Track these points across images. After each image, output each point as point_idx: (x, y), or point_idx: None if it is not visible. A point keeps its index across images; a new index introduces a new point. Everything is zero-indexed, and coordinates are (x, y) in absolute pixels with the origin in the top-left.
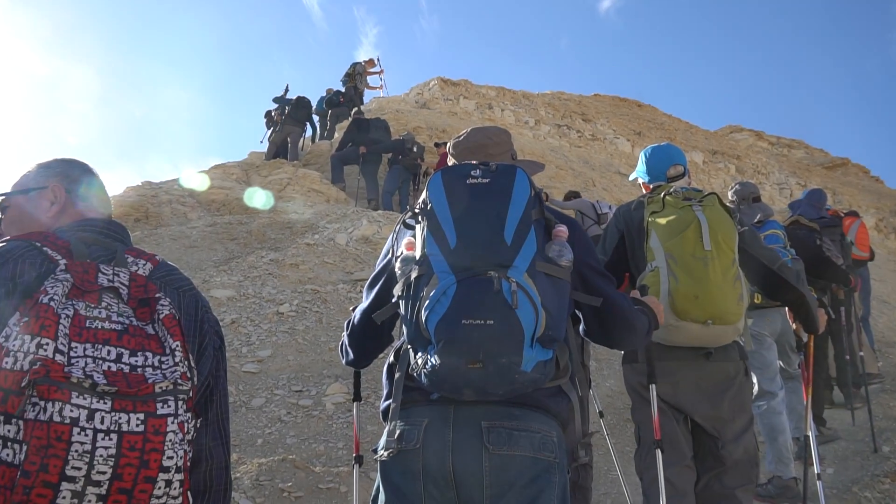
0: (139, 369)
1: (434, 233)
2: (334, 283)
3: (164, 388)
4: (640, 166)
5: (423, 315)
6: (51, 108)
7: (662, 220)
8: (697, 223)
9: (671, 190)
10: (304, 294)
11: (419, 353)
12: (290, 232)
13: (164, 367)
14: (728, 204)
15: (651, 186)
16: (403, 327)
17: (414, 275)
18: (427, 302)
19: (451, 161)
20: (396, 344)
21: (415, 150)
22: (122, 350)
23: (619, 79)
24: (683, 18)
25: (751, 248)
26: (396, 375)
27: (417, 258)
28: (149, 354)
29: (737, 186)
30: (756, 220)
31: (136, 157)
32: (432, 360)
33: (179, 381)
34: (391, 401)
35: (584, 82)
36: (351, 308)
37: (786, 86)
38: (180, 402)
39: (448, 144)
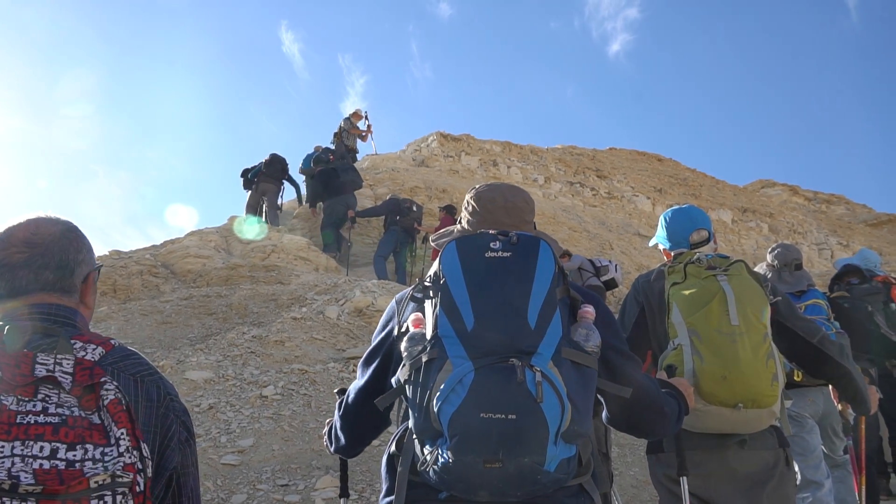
0: (77, 464)
1: (448, 312)
2: (324, 361)
3: (100, 482)
4: (660, 231)
5: (436, 405)
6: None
7: (684, 293)
8: (722, 295)
9: (694, 258)
10: (291, 375)
11: (427, 447)
12: (274, 305)
13: (106, 459)
14: (766, 268)
15: (672, 254)
16: (410, 416)
17: (425, 358)
18: (440, 391)
19: (476, 218)
20: (398, 432)
21: (414, 209)
22: (59, 445)
23: (636, 130)
24: (703, 62)
25: (786, 321)
26: (399, 469)
27: (429, 338)
28: (89, 447)
29: (778, 249)
30: (800, 290)
31: (98, 222)
32: (444, 456)
33: (119, 472)
34: (392, 497)
35: (597, 135)
36: (336, 391)
37: (822, 135)
38: (119, 497)
39: (473, 199)
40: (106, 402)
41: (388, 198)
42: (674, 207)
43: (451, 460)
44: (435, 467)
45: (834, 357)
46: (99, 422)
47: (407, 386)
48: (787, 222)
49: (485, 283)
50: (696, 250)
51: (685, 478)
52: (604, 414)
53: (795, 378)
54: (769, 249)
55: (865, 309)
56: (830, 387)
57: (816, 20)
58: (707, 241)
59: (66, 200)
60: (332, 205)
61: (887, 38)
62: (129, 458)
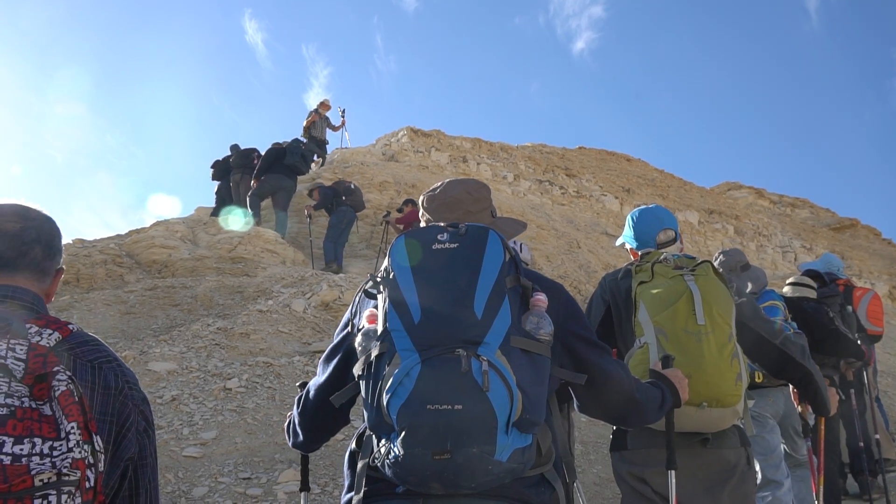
0: (24, 459)
1: (396, 305)
2: (289, 354)
3: (45, 481)
4: (627, 231)
5: (385, 399)
6: None
7: (651, 292)
8: (689, 294)
9: (661, 257)
10: (255, 367)
11: (382, 441)
12: (240, 297)
13: (54, 454)
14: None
15: (639, 253)
16: (364, 411)
17: (375, 353)
18: (389, 384)
19: (424, 218)
20: (359, 429)
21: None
22: (5, 438)
23: (603, 130)
24: (667, 63)
25: (750, 322)
26: (359, 465)
27: (379, 333)
28: (37, 441)
29: (721, 257)
30: (748, 291)
31: (56, 209)
32: (395, 449)
33: (66, 469)
34: (353, 493)
35: (561, 131)
36: (298, 384)
37: (786, 139)
38: (65, 496)
39: (421, 198)
40: (57, 394)
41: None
42: (641, 207)
43: (401, 454)
44: (388, 461)
45: (795, 358)
46: (50, 413)
47: (360, 381)
48: (752, 224)
49: (431, 275)
50: (663, 250)
51: (674, 472)
52: (575, 403)
53: (756, 380)
54: (713, 258)
55: (825, 313)
56: (791, 387)
57: (778, 24)
58: (673, 240)
59: (35, 187)
60: (266, 180)
61: (846, 42)
62: (79, 452)
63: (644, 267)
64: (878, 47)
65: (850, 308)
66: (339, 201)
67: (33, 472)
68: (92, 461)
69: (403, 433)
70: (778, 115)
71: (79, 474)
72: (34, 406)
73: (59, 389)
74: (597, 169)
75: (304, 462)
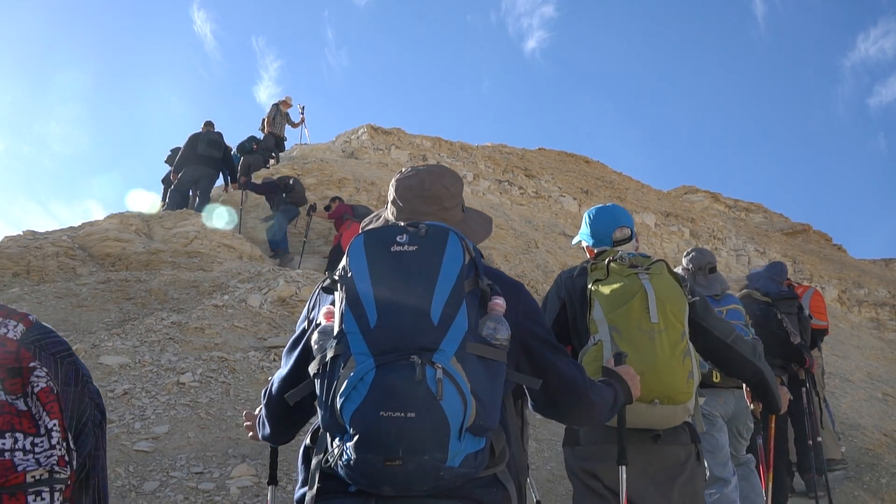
0: (7, 454)
1: (353, 307)
2: (245, 350)
3: (37, 478)
4: (584, 228)
5: (339, 402)
6: None
7: (606, 289)
8: (643, 293)
9: (617, 256)
10: (210, 362)
11: (336, 441)
12: (195, 292)
13: (37, 450)
14: (682, 272)
15: (595, 251)
16: (318, 409)
17: (330, 354)
18: (343, 387)
19: (393, 207)
20: (314, 425)
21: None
22: None
23: (562, 131)
24: (619, 67)
25: (703, 321)
26: (313, 461)
27: (335, 334)
28: (19, 436)
29: (693, 254)
30: (714, 294)
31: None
32: (348, 452)
33: (56, 467)
34: (306, 488)
35: (522, 133)
36: (260, 377)
37: (739, 143)
38: (56, 494)
39: (394, 185)
40: (37, 390)
41: (262, 181)
42: (598, 206)
43: (353, 457)
44: (341, 461)
45: (746, 356)
46: (25, 409)
47: (316, 380)
48: (707, 228)
49: (389, 277)
50: (619, 248)
51: (624, 467)
52: (529, 403)
53: (714, 379)
54: (684, 254)
55: (774, 316)
56: (744, 387)
57: (727, 30)
58: (629, 239)
59: None
60: (185, 173)
61: (793, 50)
62: (60, 450)
63: (599, 265)
64: (823, 55)
65: (807, 312)
66: (281, 199)
67: (21, 468)
68: (68, 458)
69: (356, 438)
70: (730, 119)
71: (68, 472)
72: (9, 400)
73: (38, 385)
74: (556, 170)
75: (273, 455)
